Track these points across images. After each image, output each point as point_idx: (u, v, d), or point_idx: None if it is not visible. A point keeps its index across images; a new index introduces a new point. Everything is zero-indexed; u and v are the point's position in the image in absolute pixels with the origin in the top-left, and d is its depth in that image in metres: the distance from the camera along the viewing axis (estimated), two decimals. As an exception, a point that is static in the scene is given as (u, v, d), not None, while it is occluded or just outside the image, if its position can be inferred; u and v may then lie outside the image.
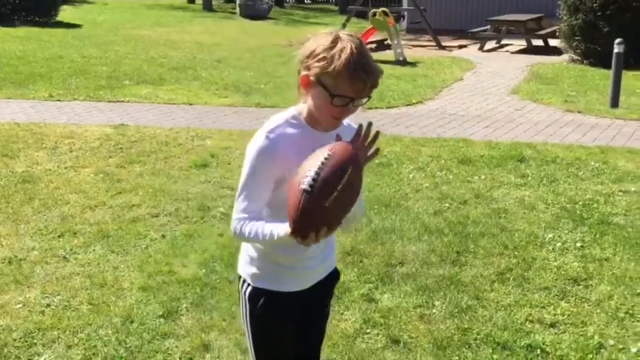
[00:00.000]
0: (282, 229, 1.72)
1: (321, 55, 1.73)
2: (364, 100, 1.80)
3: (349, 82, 1.71)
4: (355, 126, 1.85)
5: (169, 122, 7.13)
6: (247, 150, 1.84)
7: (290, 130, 1.82)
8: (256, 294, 1.94)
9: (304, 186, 1.62)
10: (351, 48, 1.71)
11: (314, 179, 1.62)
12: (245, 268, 1.99)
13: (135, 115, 7.44)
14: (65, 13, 17.83)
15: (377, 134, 1.84)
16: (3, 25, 14.85)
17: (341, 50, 1.71)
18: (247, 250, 1.98)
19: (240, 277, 2.01)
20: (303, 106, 1.85)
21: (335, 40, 1.74)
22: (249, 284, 1.96)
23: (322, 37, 1.78)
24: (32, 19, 16.23)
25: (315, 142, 1.78)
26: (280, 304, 1.94)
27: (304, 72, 1.79)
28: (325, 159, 1.65)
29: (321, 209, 1.62)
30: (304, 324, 2.07)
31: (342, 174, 1.64)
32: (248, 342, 2.04)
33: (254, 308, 1.95)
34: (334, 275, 2.09)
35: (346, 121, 1.91)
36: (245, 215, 1.80)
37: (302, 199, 1.62)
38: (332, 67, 1.71)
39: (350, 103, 1.76)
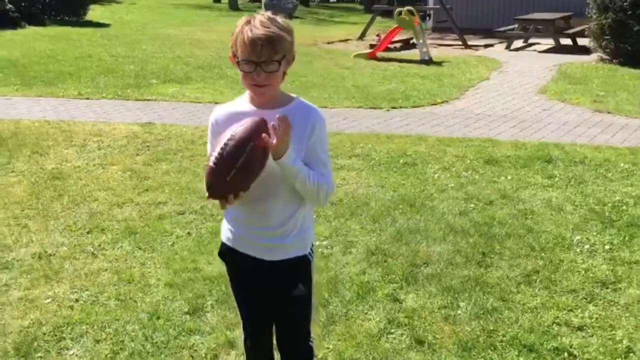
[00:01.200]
0: None
1: (234, 33, 1.98)
2: (271, 65, 1.93)
3: (243, 44, 1.92)
4: (304, 110, 2.05)
5: (195, 120, 7.20)
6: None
7: (234, 106, 2.12)
8: (221, 250, 2.30)
9: (210, 163, 1.90)
10: (246, 19, 1.96)
11: (217, 156, 1.89)
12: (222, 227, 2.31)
13: (162, 113, 7.53)
14: (94, 12, 18.10)
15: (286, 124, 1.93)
16: (34, 25, 15.13)
17: (240, 24, 1.97)
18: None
19: None
20: (247, 92, 2.12)
21: (240, 22, 1.98)
22: (221, 242, 2.30)
23: None
24: (61, 18, 16.52)
25: (251, 115, 2.00)
26: (231, 259, 2.26)
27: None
28: (228, 139, 1.89)
29: (224, 182, 1.89)
30: (261, 293, 2.25)
31: (240, 154, 1.87)
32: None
33: (221, 259, 2.33)
34: (294, 264, 2.17)
35: (305, 102, 2.09)
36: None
37: (209, 173, 1.91)
38: (235, 36, 1.96)
39: (257, 67, 1.93)
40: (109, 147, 6.12)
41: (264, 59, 1.92)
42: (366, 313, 3.32)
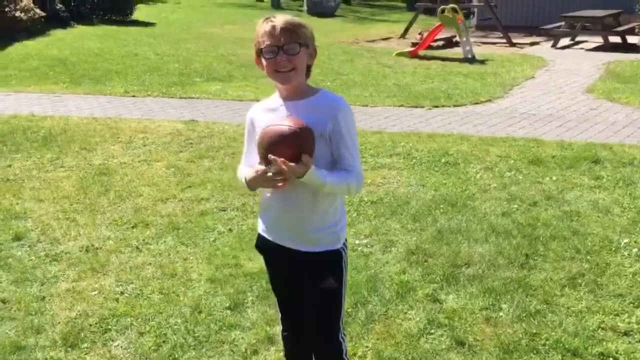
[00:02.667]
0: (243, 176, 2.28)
1: (255, 37, 2.15)
2: (292, 47, 2.08)
3: (264, 34, 2.09)
4: (330, 101, 2.16)
5: (237, 118, 7.27)
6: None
7: (267, 102, 2.30)
8: (257, 239, 2.40)
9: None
10: (266, 16, 2.15)
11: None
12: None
13: (205, 111, 7.64)
14: (141, 12, 18.47)
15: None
16: (82, 24, 15.54)
17: (259, 22, 2.15)
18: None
19: None
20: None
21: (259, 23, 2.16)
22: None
23: None
24: (109, 17, 16.91)
25: (285, 109, 2.16)
26: (265, 249, 2.35)
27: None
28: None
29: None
30: (293, 285, 2.32)
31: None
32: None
33: (256, 248, 2.43)
34: (329, 261, 2.22)
35: (330, 94, 2.20)
36: (241, 166, 2.35)
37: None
38: (256, 35, 2.13)
39: (279, 51, 2.08)
40: (154, 143, 6.24)
41: (285, 42, 2.07)
42: (406, 313, 3.30)
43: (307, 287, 2.28)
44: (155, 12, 20.49)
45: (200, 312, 3.31)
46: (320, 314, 2.31)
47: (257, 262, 3.82)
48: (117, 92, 8.60)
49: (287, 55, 2.08)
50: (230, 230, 4.31)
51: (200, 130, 6.71)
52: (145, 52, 11.90)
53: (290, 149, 2.01)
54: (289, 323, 2.45)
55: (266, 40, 2.10)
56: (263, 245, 2.35)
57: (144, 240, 4.17)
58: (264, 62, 2.14)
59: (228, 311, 3.32)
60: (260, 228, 2.34)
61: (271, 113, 2.19)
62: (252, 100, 8.21)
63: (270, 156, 2.02)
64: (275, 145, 2.03)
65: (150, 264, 3.85)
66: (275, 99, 2.23)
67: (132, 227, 4.36)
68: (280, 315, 2.49)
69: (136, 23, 16.82)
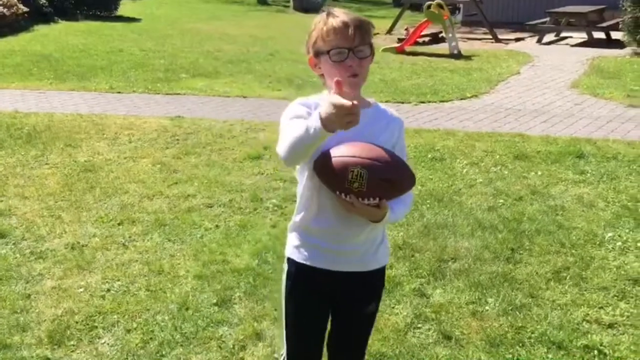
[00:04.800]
0: (315, 119, 1.66)
1: (311, 34, 1.91)
2: (363, 48, 1.84)
3: (333, 32, 1.83)
4: (393, 113, 1.98)
5: (224, 114, 7.25)
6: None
7: (320, 101, 1.85)
8: (289, 266, 2.05)
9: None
10: (327, 12, 1.88)
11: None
12: (288, 240, 2.07)
13: (191, 107, 7.60)
14: (126, 7, 18.31)
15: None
16: (66, 20, 15.38)
17: (319, 19, 1.90)
18: (293, 221, 2.04)
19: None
20: (326, 91, 1.95)
21: (318, 18, 1.91)
22: (287, 258, 2.06)
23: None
24: (93, 13, 16.75)
25: None
26: (305, 277, 2.00)
27: (308, 57, 1.95)
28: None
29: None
30: (338, 315, 2.09)
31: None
32: (281, 313, 2.12)
33: (286, 278, 2.06)
34: (378, 277, 2.06)
35: (382, 106, 2.00)
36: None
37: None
38: (317, 32, 1.87)
39: (349, 53, 1.83)
40: (140, 140, 6.21)
41: (357, 44, 1.83)
42: (393, 307, 3.32)
43: (349, 313, 2.08)
44: (140, 7, 20.33)
45: (187, 309, 3.30)
46: (358, 341, 2.15)
47: (244, 259, 3.82)
48: (102, 88, 8.53)
49: (358, 60, 1.84)
50: (217, 226, 4.30)
51: (187, 126, 6.68)
52: (131, 48, 11.80)
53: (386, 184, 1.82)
54: (305, 355, 2.14)
55: (336, 39, 1.83)
56: (306, 278, 2.00)
57: (130, 237, 4.15)
58: (327, 64, 1.86)
59: (215, 307, 3.32)
60: (301, 256, 2.00)
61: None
62: (239, 96, 8.21)
63: (384, 201, 1.82)
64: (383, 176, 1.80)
65: (136, 261, 3.84)
66: None
67: (118, 224, 4.33)
68: (290, 350, 2.15)
69: (121, 19, 16.68)
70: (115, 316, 3.24)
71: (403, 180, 1.89)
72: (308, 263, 1.99)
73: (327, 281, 1.99)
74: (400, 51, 11.69)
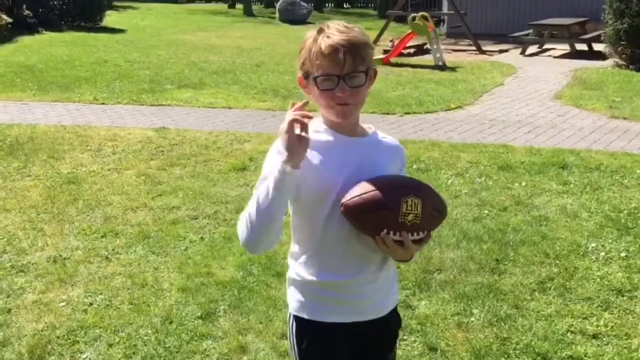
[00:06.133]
0: (281, 164, 1.55)
1: (300, 51, 1.70)
2: (357, 76, 1.63)
3: (321, 56, 1.61)
4: (395, 142, 1.81)
5: (209, 125, 7.23)
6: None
7: (311, 134, 1.62)
8: (301, 327, 1.77)
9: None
10: (319, 28, 1.66)
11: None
12: (289, 295, 1.81)
13: (176, 118, 7.57)
14: (110, 18, 18.26)
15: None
16: (50, 30, 15.30)
17: (310, 36, 1.68)
18: (290, 274, 1.81)
19: (288, 307, 1.85)
20: (320, 114, 1.76)
21: (309, 34, 1.70)
22: (293, 316, 1.79)
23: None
24: (78, 24, 16.69)
25: (346, 147, 1.69)
26: (327, 337, 1.75)
27: (298, 75, 1.74)
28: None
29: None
30: None
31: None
32: None
33: (300, 341, 1.77)
34: (396, 316, 1.89)
35: (382, 134, 1.81)
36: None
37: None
38: (305, 52, 1.65)
39: (340, 82, 1.61)
40: (124, 151, 6.16)
41: (348, 71, 1.61)
42: (378, 319, 3.30)
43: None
44: (125, 18, 20.29)
45: (171, 322, 3.27)
46: None
47: (229, 271, 3.80)
48: (86, 100, 8.48)
49: (349, 89, 1.63)
50: (202, 238, 4.27)
51: (172, 137, 6.65)
52: (115, 59, 11.76)
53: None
54: None
55: (323, 64, 1.61)
56: (320, 335, 1.75)
57: (113, 249, 4.10)
58: (315, 90, 1.66)
59: (199, 321, 3.28)
60: (311, 313, 1.76)
61: (322, 148, 1.68)
62: (224, 107, 8.19)
63: (431, 234, 1.66)
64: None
65: (119, 273, 3.79)
66: (321, 130, 1.72)
67: (102, 237, 4.29)
68: None
69: (106, 29, 16.63)
70: (97, 330, 3.20)
71: (446, 209, 1.75)
72: (320, 319, 1.75)
73: (344, 334, 1.76)
74: (386, 62, 11.75)
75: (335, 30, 1.64)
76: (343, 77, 1.62)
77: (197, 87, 9.46)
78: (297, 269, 1.77)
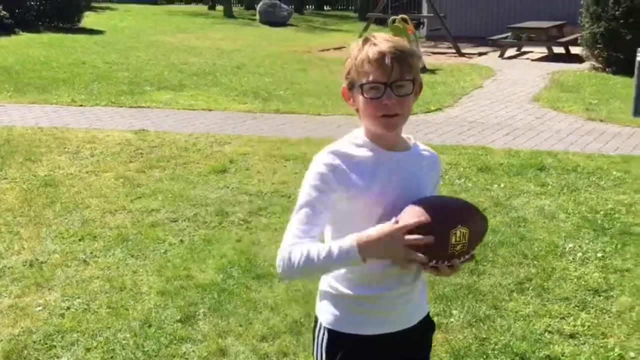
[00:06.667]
0: (348, 240, 1.50)
1: (345, 61, 1.66)
2: (404, 85, 1.59)
3: (367, 62, 1.57)
4: (431, 151, 1.76)
5: (189, 127, 7.19)
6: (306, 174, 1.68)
7: (353, 149, 1.63)
8: (335, 339, 1.70)
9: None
10: (365, 38, 1.63)
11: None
12: (321, 308, 1.74)
13: (156, 120, 7.52)
14: (89, 19, 18.08)
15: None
16: (27, 31, 15.11)
17: (355, 45, 1.64)
18: (322, 286, 1.74)
19: (316, 319, 1.77)
20: (361, 125, 1.70)
21: (354, 44, 1.67)
22: (325, 329, 1.71)
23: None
24: (56, 25, 16.50)
25: (390, 163, 1.65)
26: (362, 349, 1.69)
27: (342, 87, 1.69)
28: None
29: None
30: None
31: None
32: None
33: (333, 354, 1.71)
34: (429, 324, 1.85)
35: (421, 145, 1.76)
36: (296, 240, 1.56)
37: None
38: (351, 61, 1.62)
39: (387, 90, 1.57)
40: (102, 154, 6.10)
41: (395, 78, 1.57)
42: (359, 321, 3.31)
43: None
44: (103, 19, 20.11)
45: (150, 326, 3.24)
46: None
47: (209, 274, 3.78)
48: (63, 101, 8.38)
49: (396, 97, 1.58)
50: (181, 241, 4.24)
51: (151, 140, 6.59)
52: (94, 60, 11.64)
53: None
54: None
55: (370, 71, 1.57)
56: (360, 347, 1.70)
57: (91, 253, 4.06)
58: (360, 99, 1.61)
59: (179, 324, 3.26)
60: (350, 327, 1.69)
61: (364, 166, 1.62)
62: (204, 109, 8.15)
63: (474, 253, 1.62)
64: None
65: (97, 277, 3.75)
66: (361, 145, 1.66)
67: (79, 240, 4.24)
68: None
69: (84, 31, 16.46)
70: (75, 335, 3.16)
71: (487, 227, 1.71)
72: (355, 332, 1.69)
73: (378, 346, 1.71)
74: (365, 65, 11.77)
75: (381, 39, 1.61)
76: (390, 84, 1.57)
77: (176, 89, 9.40)
78: (332, 282, 1.71)
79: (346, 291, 1.69)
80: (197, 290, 3.58)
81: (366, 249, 1.51)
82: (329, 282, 1.72)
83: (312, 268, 1.55)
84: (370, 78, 1.57)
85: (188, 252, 4.06)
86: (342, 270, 1.66)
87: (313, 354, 1.78)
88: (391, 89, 1.57)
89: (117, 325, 3.24)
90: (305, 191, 1.61)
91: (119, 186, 5.24)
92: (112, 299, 3.50)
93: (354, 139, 1.65)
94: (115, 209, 4.76)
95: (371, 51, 1.58)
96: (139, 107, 8.23)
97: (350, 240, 1.53)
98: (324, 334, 1.73)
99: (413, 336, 1.76)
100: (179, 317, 3.31)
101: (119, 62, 11.56)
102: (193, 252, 4.06)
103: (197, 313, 3.36)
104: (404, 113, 1.62)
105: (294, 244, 1.56)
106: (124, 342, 3.10)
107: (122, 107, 8.22)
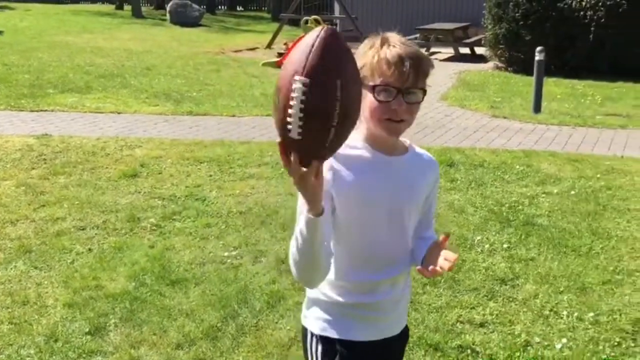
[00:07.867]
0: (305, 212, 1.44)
1: (361, 57, 1.59)
2: (416, 92, 1.57)
3: (385, 64, 1.53)
4: (429, 156, 1.77)
5: (96, 131, 6.91)
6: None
7: (350, 151, 1.59)
8: (328, 346, 1.69)
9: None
10: (384, 36, 1.60)
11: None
12: (310, 316, 1.73)
13: (60, 124, 7.17)
14: (-16, 18, 17.04)
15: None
16: None
17: (374, 42, 1.60)
18: (312, 294, 1.73)
19: (304, 330, 1.75)
20: (360, 125, 1.63)
21: (368, 42, 1.63)
22: (318, 337, 1.70)
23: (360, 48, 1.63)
24: (-53, 24, 15.43)
25: (384, 167, 1.63)
26: (355, 355, 1.69)
27: None
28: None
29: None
30: None
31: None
32: None
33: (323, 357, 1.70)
34: (407, 333, 1.87)
35: (418, 149, 1.76)
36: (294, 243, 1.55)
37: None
38: (366, 60, 1.56)
39: (398, 95, 1.54)
40: (1, 161, 5.75)
41: (409, 85, 1.55)
42: (277, 322, 3.29)
43: None
44: (1, 19, 19.00)
45: (56, 341, 3.08)
46: None
47: (120, 283, 3.64)
48: (-43, 106, 7.84)
49: (406, 105, 1.56)
50: (89, 250, 4.06)
51: (55, 145, 6.28)
52: (-9, 62, 10.97)
53: None
54: None
55: (386, 72, 1.54)
56: (353, 352, 1.69)
57: (-10, 266, 3.81)
58: (368, 98, 1.56)
59: (88, 336, 3.12)
60: (342, 333, 1.69)
61: (360, 165, 1.61)
62: (113, 112, 7.86)
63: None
64: None
65: (-2, 292, 3.52)
66: (360, 147, 1.63)
67: (-23, 253, 3.97)
68: None
69: (-20, 30, 15.49)
70: (-28, 355, 2.95)
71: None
72: (347, 338, 1.69)
73: (369, 351, 1.71)
74: (280, 65, 11.74)
75: (399, 42, 1.58)
76: (403, 90, 1.55)
77: (82, 91, 9.01)
78: (324, 289, 1.68)
79: (338, 298, 1.68)
80: (107, 301, 3.44)
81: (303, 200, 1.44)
82: (321, 289, 1.69)
83: (299, 250, 1.49)
84: (385, 80, 1.55)
85: (97, 261, 3.89)
86: (333, 277, 1.64)
87: None
88: (402, 95, 1.55)
89: (20, 342, 3.06)
90: (299, 202, 1.57)
91: (20, 194, 4.95)
92: (15, 314, 3.30)
93: (351, 142, 1.55)
94: (17, 218, 4.50)
95: (390, 53, 1.55)
96: (41, 110, 7.82)
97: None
98: (317, 343, 1.71)
99: (393, 344, 1.78)
100: (87, 330, 3.16)
101: (19, 64, 10.95)
102: (103, 260, 3.90)
103: (107, 324, 3.22)
104: (410, 120, 1.61)
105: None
106: (27, 358, 2.93)
107: (22, 111, 7.79)
